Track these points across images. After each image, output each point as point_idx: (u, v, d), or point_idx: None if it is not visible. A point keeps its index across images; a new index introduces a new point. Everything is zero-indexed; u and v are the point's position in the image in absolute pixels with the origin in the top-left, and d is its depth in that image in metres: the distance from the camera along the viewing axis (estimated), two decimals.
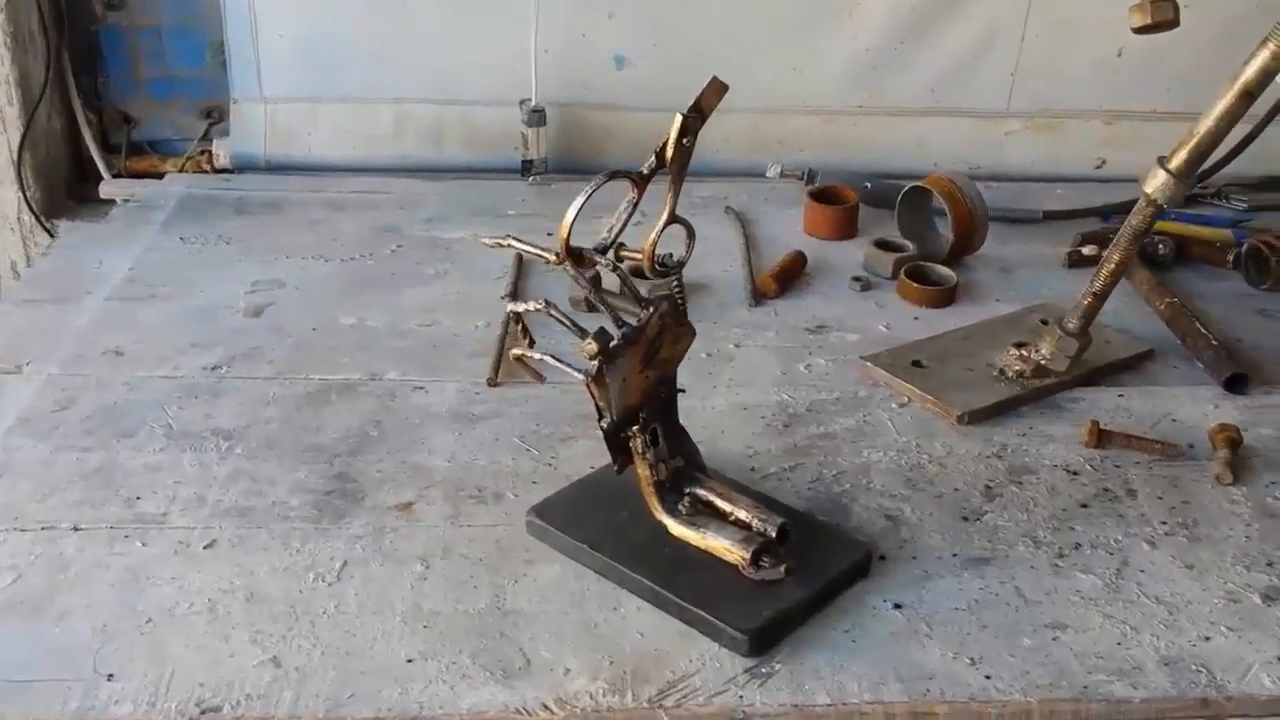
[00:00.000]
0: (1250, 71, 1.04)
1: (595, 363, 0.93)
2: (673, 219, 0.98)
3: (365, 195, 1.67)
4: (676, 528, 0.97)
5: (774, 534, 0.94)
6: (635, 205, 0.97)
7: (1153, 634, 0.91)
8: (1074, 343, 1.22)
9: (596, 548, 0.96)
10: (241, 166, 1.76)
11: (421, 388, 1.21)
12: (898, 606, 0.94)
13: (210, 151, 1.78)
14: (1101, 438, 1.15)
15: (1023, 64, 1.75)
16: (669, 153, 0.95)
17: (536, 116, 1.67)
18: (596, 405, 0.94)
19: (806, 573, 0.93)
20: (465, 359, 1.27)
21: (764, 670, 0.87)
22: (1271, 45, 1.03)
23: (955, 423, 1.18)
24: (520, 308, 0.96)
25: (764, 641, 0.88)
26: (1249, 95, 1.04)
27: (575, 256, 0.97)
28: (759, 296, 1.43)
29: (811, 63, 1.75)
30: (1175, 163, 1.10)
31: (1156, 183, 1.12)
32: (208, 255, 1.49)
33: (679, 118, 0.94)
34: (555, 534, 0.98)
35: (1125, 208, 1.66)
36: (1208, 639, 0.91)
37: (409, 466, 1.08)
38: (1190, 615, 0.93)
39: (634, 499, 0.99)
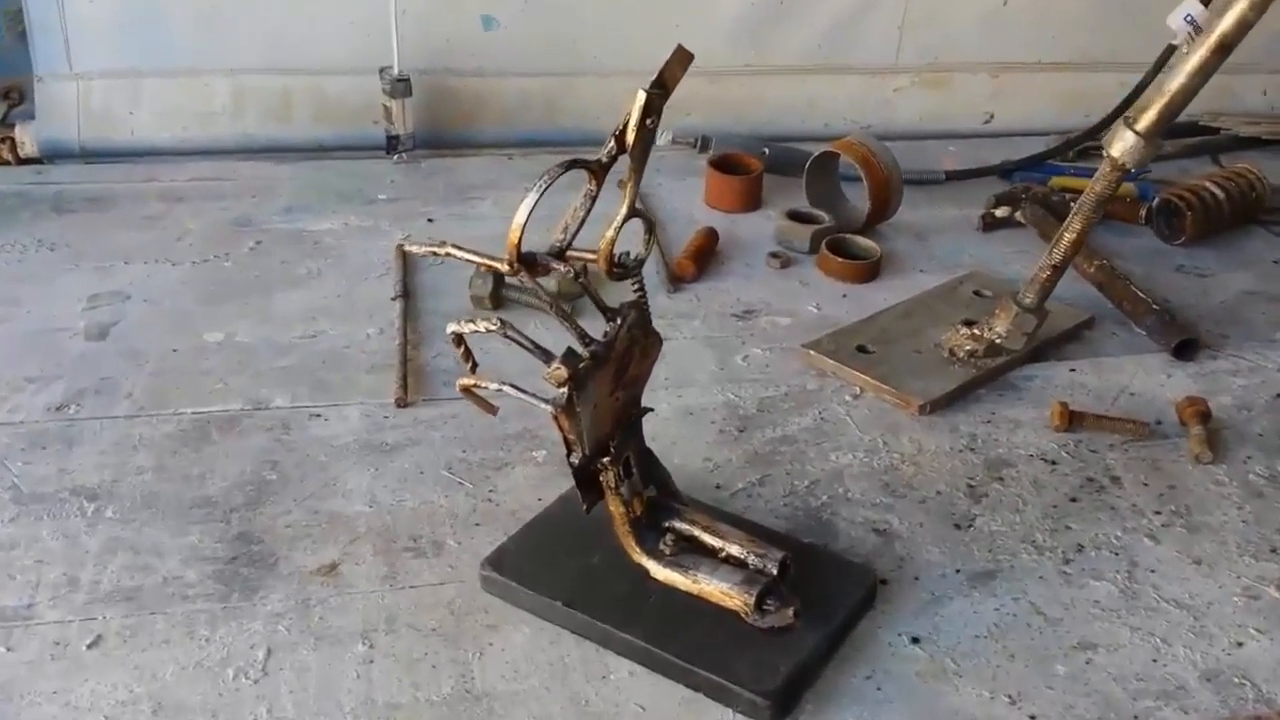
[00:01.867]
0: (1227, 23, 0.96)
1: (564, 391, 0.78)
2: (632, 213, 0.84)
3: (207, 183, 1.46)
4: (661, 571, 0.83)
5: (775, 571, 0.82)
6: (594, 199, 0.82)
7: (1185, 645, 0.84)
8: (1032, 319, 1.14)
9: (571, 604, 0.82)
10: (52, 155, 1.52)
11: (319, 415, 1.04)
12: (915, 641, 0.83)
13: (12, 139, 1.52)
14: (1072, 420, 1.08)
15: (910, 17, 1.67)
16: (630, 136, 0.80)
17: (401, 86, 1.49)
18: (565, 439, 0.80)
19: (815, 611, 0.81)
20: (364, 375, 1.10)
21: None
22: None
23: (916, 413, 1.09)
24: (466, 328, 0.81)
25: (787, 702, 0.76)
26: (1225, 49, 0.97)
27: (528, 264, 0.81)
28: (676, 281, 1.30)
29: (695, 20, 1.62)
30: (1144, 124, 1.03)
31: (1124, 145, 1.04)
32: (29, 265, 1.26)
33: (642, 94, 0.80)
34: (518, 590, 0.84)
35: (1027, 165, 1.61)
36: (1240, 644, 0.85)
37: (323, 516, 0.91)
38: (1215, 619, 0.87)
39: (603, 538, 0.86)
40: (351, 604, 0.83)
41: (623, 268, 0.84)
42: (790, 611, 0.80)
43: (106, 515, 0.90)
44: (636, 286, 0.86)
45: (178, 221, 1.36)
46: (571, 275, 0.83)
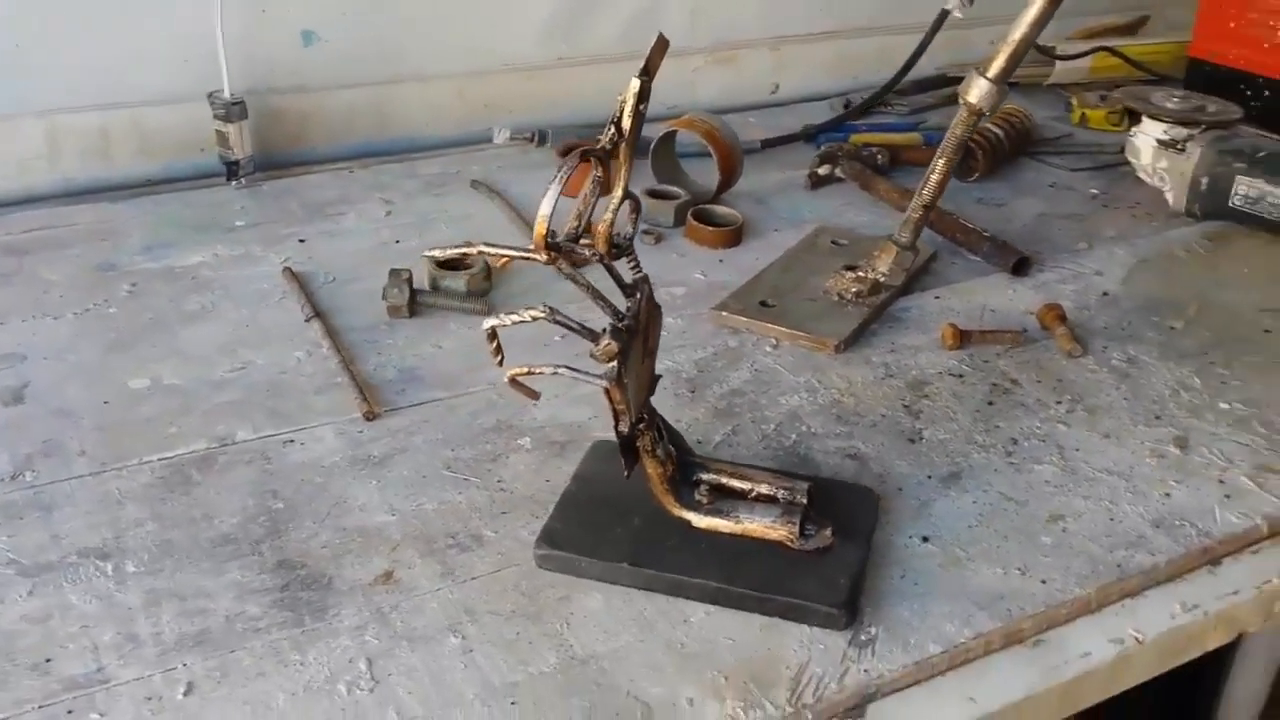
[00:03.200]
0: None
1: (613, 364, 0.84)
2: (626, 195, 0.90)
3: (46, 233, 1.37)
4: (702, 520, 0.90)
5: (805, 501, 0.91)
6: (600, 184, 0.87)
7: (1128, 504, 0.99)
8: (910, 255, 1.28)
9: (636, 562, 0.87)
10: None
11: (292, 440, 1.03)
12: (925, 539, 0.94)
13: None
14: (962, 338, 1.22)
15: (699, 1, 1.79)
16: (626, 121, 0.86)
17: (237, 109, 1.45)
18: (615, 411, 0.85)
19: (844, 531, 0.90)
20: (314, 397, 1.09)
21: (863, 638, 0.84)
22: None
23: (833, 353, 1.21)
24: (509, 320, 0.84)
25: (854, 609, 0.85)
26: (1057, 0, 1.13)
27: (559, 250, 0.86)
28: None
29: (509, 18, 1.67)
30: (994, 70, 1.18)
31: (979, 91, 1.19)
32: None
33: (636, 82, 0.86)
34: (580, 561, 0.88)
35: (828, 127, 1.77)
36: (1168, 495, 1.01)
37: (352, 532, 0.92)
38: (1141, 479, 1.03)
39: (635, 501, 0.92)
40: (424, 604, 0.85)
41: (618, 247, 0.90)
42: (828, 532, 0.89)
43: (129, 570, 0.86)
44: (633, 262, 0.91)
45: (34, 275, 1.28)
46: (597, 257, 0.87)
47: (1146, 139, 1.59)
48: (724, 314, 1.26)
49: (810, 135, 1.74)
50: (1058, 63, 1.96)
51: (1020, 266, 1.39)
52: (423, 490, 0.97)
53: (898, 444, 1.07)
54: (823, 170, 1.61)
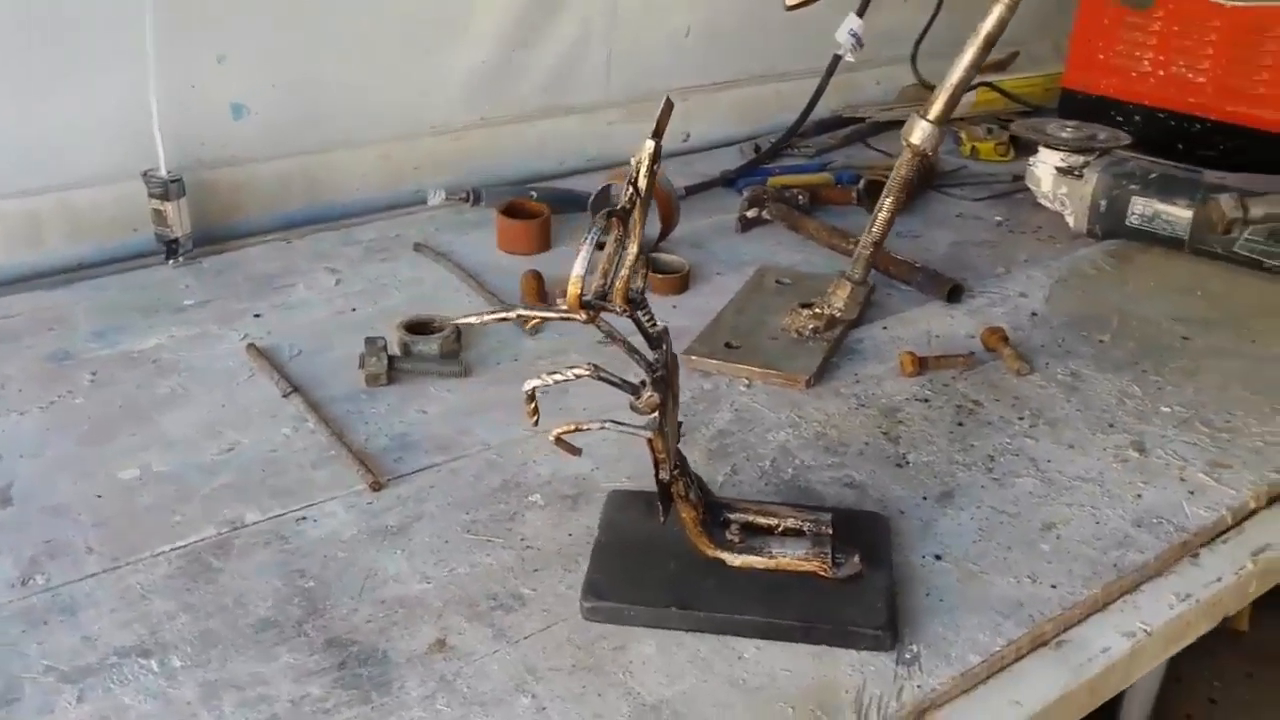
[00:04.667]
0: (990, 23, 1.21)
1: (655, 415, 0.87)
2: (641, 251, 0.93)
3: None
4: (736, 559, 0.94)
5: (830, 531, 0.95)
6: (622, 243, 0.90)
7: (1108, 508, 1.07)
8: (863, 289, 1.35)
9: (685, 605, 0.90)
10: None
11: (304, 518, 1.02)
12: (938, 558, 1.00)
13: None
14: (919, 365, 1.29)
15: (614, 55, 1.84)
16: (643, 181, 0.90)
17: (175, 187, 1.42)
18: (656, 459, 0.88)
19: (867, 556, 0.95)
20: (313, 473, 1.08)
21: (908, 656, 0.89)
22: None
23: (804, 388, 1.26)
24: (551, 380, 0.86)
25: (895, 630, 0.90)
26: (990, 43, 1.22)
27: (594, 309, 0.88)
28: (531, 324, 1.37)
29: (433, 82, 1.68)
30: (934, 113, 1.26)
31: (921, 133, 1.26)
32: None
33: (650, 144, 0.89)
34: (627, 610, 0.90)
35: (744, 172, 1.83)
36: (1139, 496, 1.09)
37: (392, 603, 0.92)
38: (1112, 484, 1.11)
39: (667, 546, 0.95)
40: (485, 667, 0.86)
41: (633, 301, 0.93)
42: (856, 559, 0.94)
43: (175, 664, 0.85)
44: (648, 315, 0.95)
45: None
46: (626, 313, 0.89)
47: (1046, 167, 1.70)
48: (693, 358, 1.29)
49: (729, 180, 1.80)
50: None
51: (954, 293, 1.47)
52: (450, 555, 0.98)
53: (888, 469, 1.12)
54: (750, 213, 1.67)
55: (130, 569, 0.95)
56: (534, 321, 1.03)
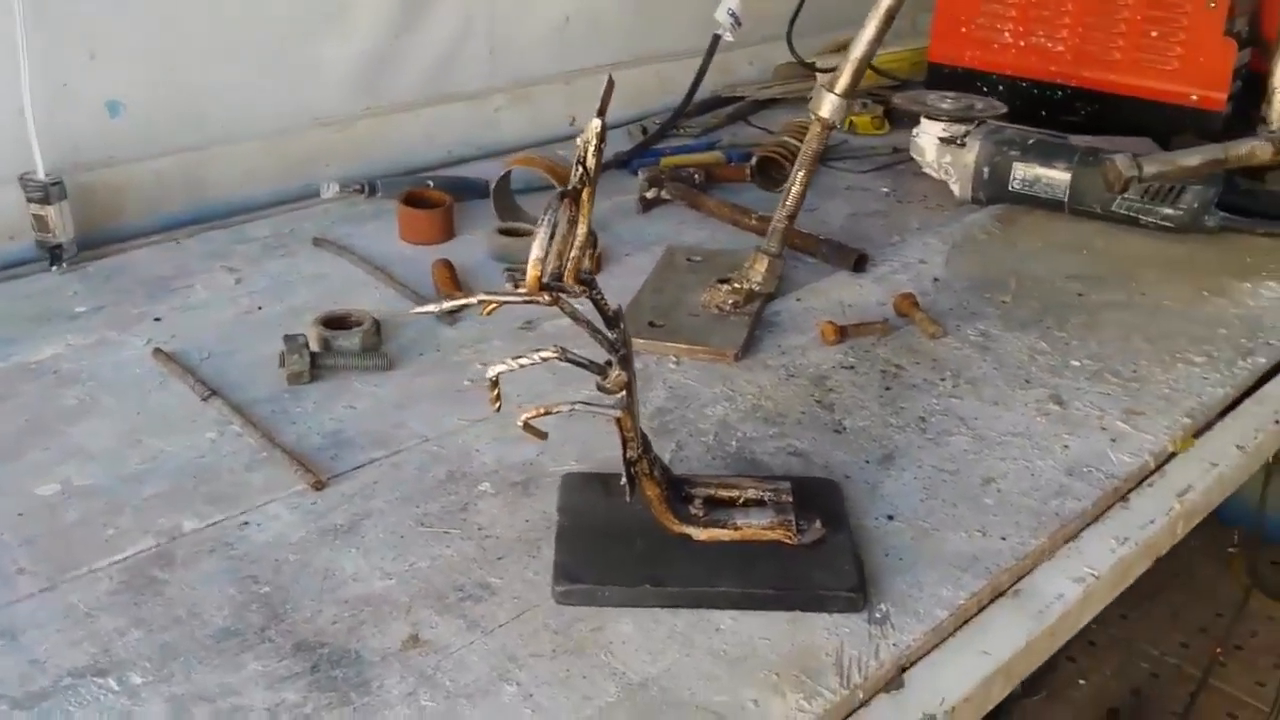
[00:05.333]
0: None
1: (623, 394, 0.86)
2: (590, 232, 0.92)
3: None
4: (702, 533, 0.94)
5: (791, 499, 0.96)
6: (575, 223, 0.89)
7: (1039, 459, 1.11)
8: (780, 263, 1.36)
9: (659, 582, 0.90)
10: None
11: (247, 523, 0.98)
12: (890, 518, 1.02)
13: None
14: (840, 333, 1.31)
15: (495, 41, 1.81)
16: (591, 161, 0.89)
17: (56, 189, 1.34)
18: (625, 438, 0.88)
19: (828, 522, 0.96)
20: (246, 475, 1.04)
21: (879, 616, 0.90)
22: None
23: (733, 361, 1.27)
24: (517, 365, 0.84)
25: (865, 590, 0.91)
26: (891, 17, 1.24)
27: (555, 290, 0.87)
28: (450, 313, 1.34)
29: (313, 74, 1.63)
30: (840, 86, 1.28)
31: (829, 106, 1.28)
32: None
33: (597, 123, 0.89)
34: (601, 591, 0.89)
35: (637, 153, 1.83)
36: (1066, 446, 1.13)
37: (356, 602, 0.89)
38: (1039, 437, 1.15)
39: (631, 525, 0.95)
40: (465, 659, 0.84)
41: (585, 283, 0.92)
42: (818, 524, 0.95)
43: (136, 682, 0.80)
44: (599, 294, 0.94)
45: None
46: (584, 293, 0.88)
47: (929, 138, 1.75)
48: None
49: (623, 162, 1.80)
50: (819, 76, 2.11)
51: (859, 263, 1.50)
52: (408, 550, 0.95)
53: (827, 436, 1.14)
54: (650, 194, 1.67)
55: (69, 587, 0.89)
56: (493, 308, 1.00)
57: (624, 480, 0.92)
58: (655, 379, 1.23)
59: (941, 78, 2.10)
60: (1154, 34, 1.88)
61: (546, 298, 0.86)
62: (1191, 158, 1.31)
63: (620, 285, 1.43)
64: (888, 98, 2.11)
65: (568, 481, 1.02)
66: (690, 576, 0.90)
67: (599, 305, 0.90)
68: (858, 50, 1.27)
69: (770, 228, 1.36)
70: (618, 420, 0.86)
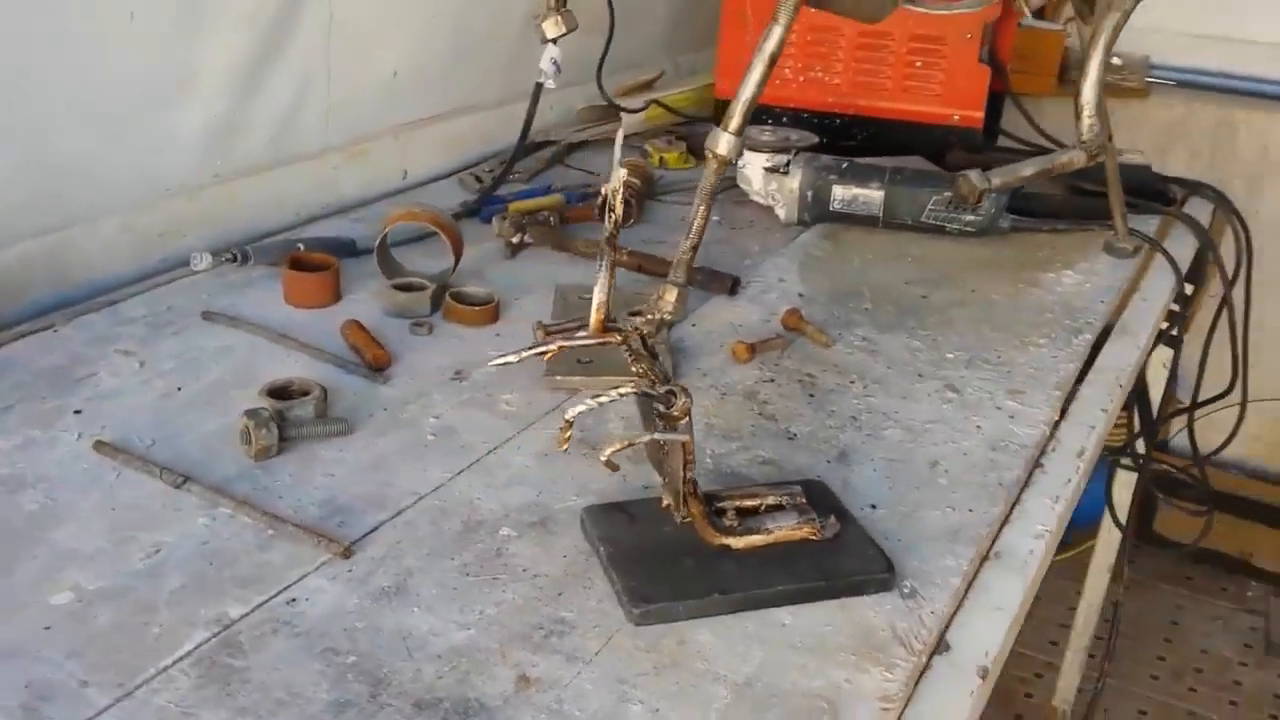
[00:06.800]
0: (772, 43, 1.36)
1: (688, 419, 0.93)
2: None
3: None
4: (740, 541, 1.02)
5: (805, 500, 1.06)
6: (613, 266, 0.96)
7: (965, 440, 1.27)
8: (687, 292, 1.45)
9: (725, 590, 0.97)
10: None
11: (293, 599, 0.97)
12: (874, 507, 1.14)
13: None
14: (751, 351, 1.43)
15: (331, 101, 1.81)
16: (620, 208, 0.96)
17: None
18: (687, 461, 0.95)
19: (839, 516, 1.07)
20: (263, 555, 1.02)
21: (908, 591, 1.02)
22: (782, 20, 1.36)
23: None
24: (595, 404, 0.90)
25: (893, 570, 1.02)
26: (774, 61, 1.37)
27: (615, 331, 0.93)
28: (378, 370, 1.35)
29: (163, 142, 1.58)
30: (733, 125, 1.39)
31: (725, 144, 1.39)
32: None
33: (623, 172, 0.97)
34: (675, 607, 0.96)
35: (484, 200, 1.88)
36: (979, 427, 1.30)
37: (449, 655, 0.91)
38: (955, 421, 1.31)
39: (672, 543, 1.02)
40: (581, 689, 0.88)
41: (612, 324, 0.99)
42: (833, 519, 1.06)
43: None
44: (646, 330, 1.00)
45: None
46: (637, 331, 0.95)
47: (754, 168, 1.91)
48: (558, 378, 1.35)
49: (473, 210, 1.84)
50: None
51: (734, 287, 1.63)
52: (469, 600, 0.98)
53: (784, 444, 1.25)
54: (515, 239, 1.73)
55: (148, 690, 0.86)
56: (618, 343, 1.02)
57: (666, 502, 0.99)
58: (608, 411, 1.29)
59: None
60: (919, 64, 2.14)
61: (617, 338, 0.92)
62: (1027, 168, 1.52)
63: (526, 329, 1.48)
64: (685, 134, 2.26)
65: (592, 513, 1.07)
66: (747, 582, 0.99)
67: (644, 341, 0.97)
68: (745, 92, 1.38)
69: (675, 260, 1.44)
70: (683, 445, 0.93)
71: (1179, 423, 2.29)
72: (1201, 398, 2.13)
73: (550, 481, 1.15)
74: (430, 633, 0.93)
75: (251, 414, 1.17)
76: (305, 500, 1.11)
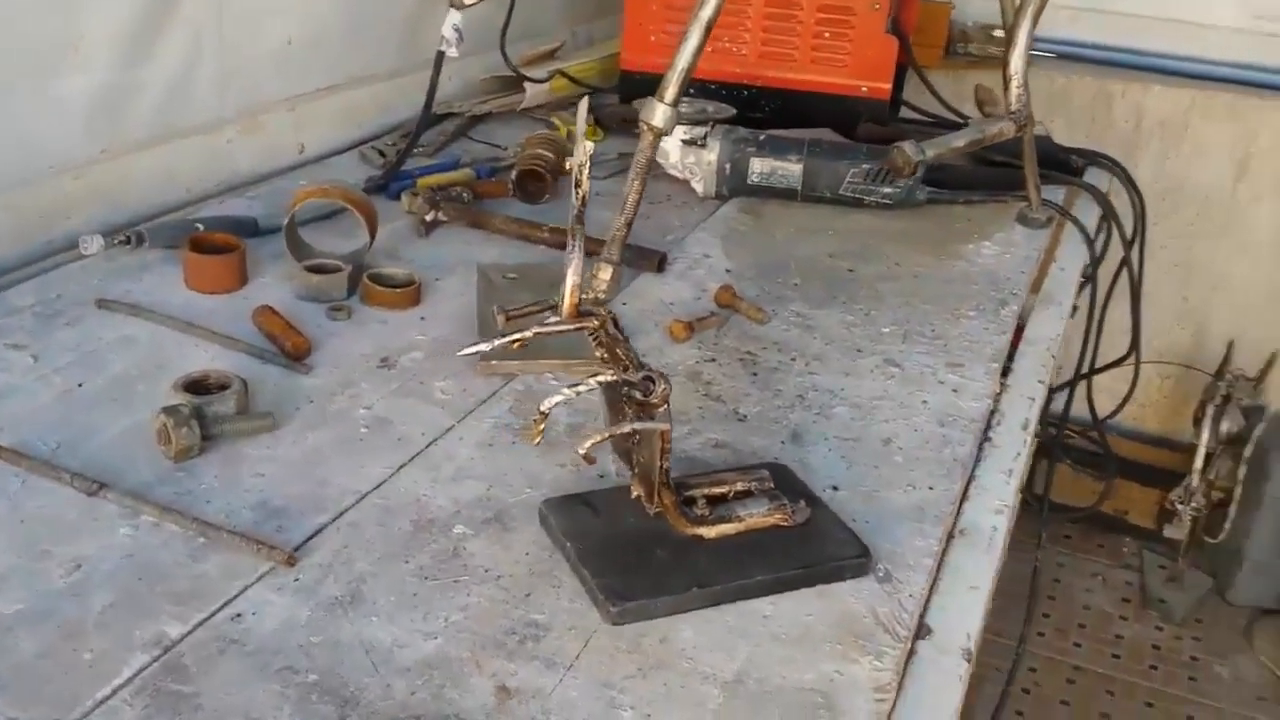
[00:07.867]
0: (708, 10, 1.31)
1: (667, 407, 0.89)
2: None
3: None
4: (712, 530, 0.98)
5: (773, 485, 1.03)
6: (581, 248, 0.90)
7: (914, 416, 1.25)
8: (620, 270, 1.40)
9: (703, 584, 0.93)
10: None
11: (238, 614, 0.89)
12: (836, 488, 1.11)
13: None
14: (689, 330, 1.39)
15: (224, 71, 1.69)
16: (586, 184, 0.91)
17: None
18: (663, 450, 0.90)
19: (807, 499, 1.04)
20: (197, 567, 0.94)
21: (881, 574, 0.99)
22: None
23: None
24: (573, 394, 0.84)
25: (869, 553, 1.00)
26: (709, 28, 1.32)
27: (588, 315, 0.88)
28: (298, 361, 1.27)
29: (47, 115, 1.45)
30: (669, 96, 1.33)
31: (660, 115, 1.33)
32: None
33: (590, 145, 0.91)
34: (653, 604, 0.91)
35: (390, 176, 1.79)
36: (925, 402, 1.28)
37: (419, 668, 0.85)
38: (900, 397, 1.29)
39: (642, 536, 0.98)
40: (564, 695, 0.83)
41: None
42: (803, 503, 1.02)
43: None
44: (614, 315, 0.95)
45: None
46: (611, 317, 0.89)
47: (672, 140, 1.86)
48: (494, 363, 1.28)
49: (379, 186, 1.75)
50: (528, 88, 2.16)
51: (661, 264, 1.58)
52: (431, 606, 0.91)
53: (735, 426, 1.21)
54: (429, 217, 1.64)
55: None
56: (593, 328, 0.95)
57: (636, 493, 0.94)
58: (552, 395, 1.23)
59: (633, 84, 2.22)
60: (827, 35, 2.11)
61: (594, 322, 0.86)
62: (959, 140, 1.51)
63: (452, 312, 1.41)
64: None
65: (552, 506, 1.02)
66: (723, 573, 0.94)
67: (617, 325, 0.92)
68: (681, 61, 1.33)
69: (610, 236, 1.38)
70: (662, 433, 0.88)
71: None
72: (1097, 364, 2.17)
73: (499, 474, 1.09)
74: (395, 644, 0.87)
75: (169, 411, 1.07)
76: (236, 504, 1.03)
